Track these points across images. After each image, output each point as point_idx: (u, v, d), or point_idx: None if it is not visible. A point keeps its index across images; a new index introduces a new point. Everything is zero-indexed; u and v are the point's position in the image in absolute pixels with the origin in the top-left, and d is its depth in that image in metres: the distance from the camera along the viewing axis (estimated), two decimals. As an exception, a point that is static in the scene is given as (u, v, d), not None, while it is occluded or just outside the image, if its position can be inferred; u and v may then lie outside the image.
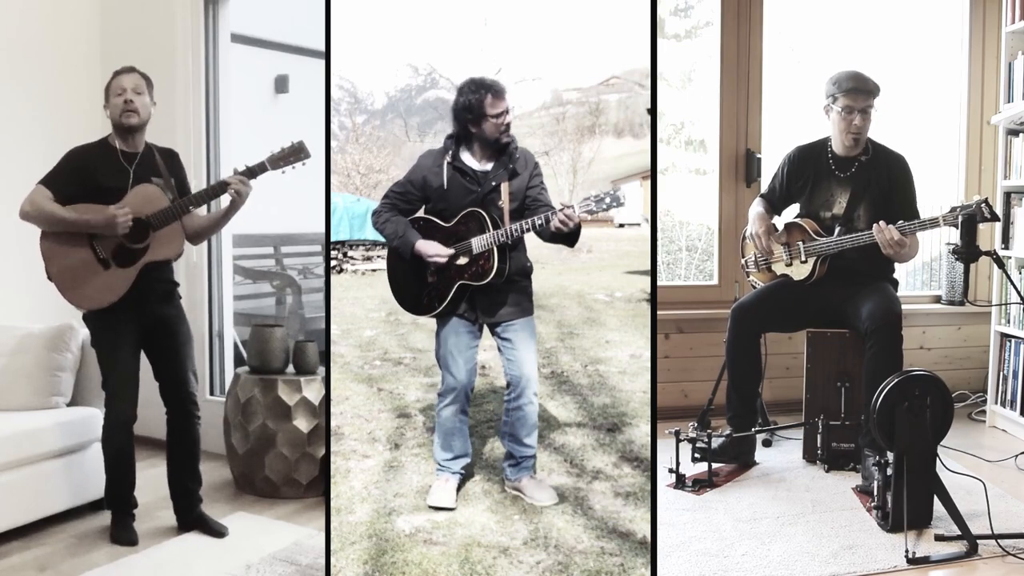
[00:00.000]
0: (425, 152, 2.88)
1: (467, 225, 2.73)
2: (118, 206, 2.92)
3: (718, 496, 3.28)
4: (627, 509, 2.76)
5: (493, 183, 2.76)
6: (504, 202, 2.74)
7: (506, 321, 2.80)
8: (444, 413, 2.88)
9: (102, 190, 2.95)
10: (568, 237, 2.65)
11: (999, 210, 4.08)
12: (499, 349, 2.86)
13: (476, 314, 2.81)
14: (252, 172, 3.01)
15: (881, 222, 3.25)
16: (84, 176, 2.96)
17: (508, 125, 2.73)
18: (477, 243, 2.71)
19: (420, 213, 2.87)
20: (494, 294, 2.78)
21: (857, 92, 3.36)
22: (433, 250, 2.75)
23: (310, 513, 3.41)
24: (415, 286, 2.84)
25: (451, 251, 2.74)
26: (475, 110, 2.71)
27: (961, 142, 4.73)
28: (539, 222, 2.62)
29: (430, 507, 2.80)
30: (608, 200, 2.55)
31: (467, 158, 2.80)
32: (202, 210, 3.14)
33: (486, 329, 2.87)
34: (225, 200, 3.06)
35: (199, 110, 4.26)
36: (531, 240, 2.82)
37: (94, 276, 2.96)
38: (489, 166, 2.79)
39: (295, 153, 3.02)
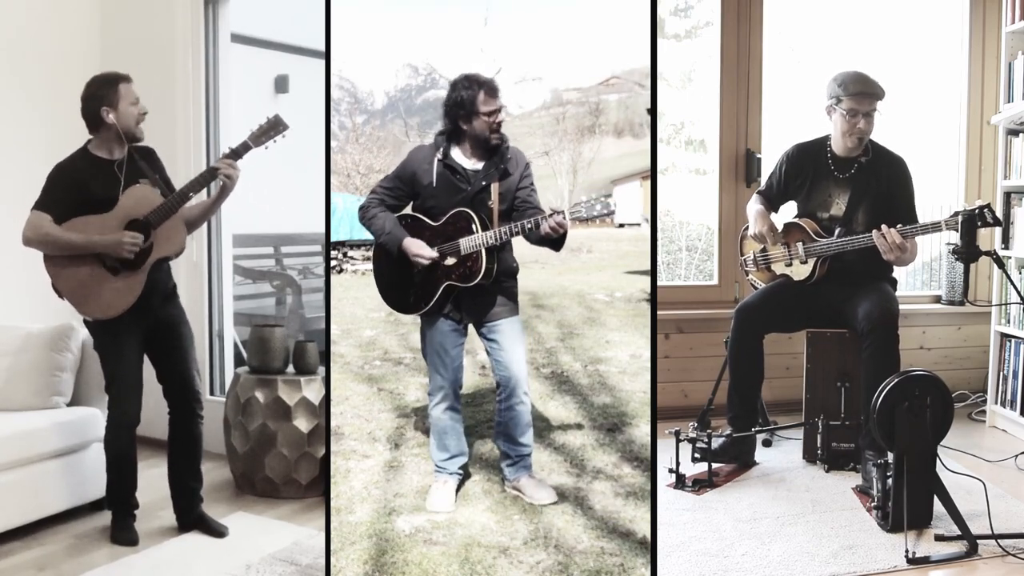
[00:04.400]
0: (416, 147, 2.84)
1: (455, 225, 2.70)
2: (116, 216, 2.92)
3: (718, 496, 3.28)
4: (627, 509, 2.76)
5: (483, 182, 2.73)
6: (494, 202, 2.72)
7: (491, 321, 2.79)
8: (435, 412, 2.88)
9: (95, 201, 2.95)
10: (555, 242, 2.64)
11: (999, 210, 4.08)
12: (486, 351, 2.84)
13: (461, 315, 2.80)
14: (237, 153, 3.02)
15: (883, 227, 3.23)
16: (77, 190, 2.95)
17: (499, 124, 2.70)
18: (465, 244, 2.68)
19: (408, 210, 2.83)
20: (480, 295, 2.76)
21: (863, 96, 3.33)
22: (417, 249, 2.72)
23: (310, 513, 3.41)
24: (402, 284, 2.81)
25: (435, 254, 2.71)
26: (467, 106, 2.68)
27: (961, 142, 4.73)
28: (528, 226, 2.60)
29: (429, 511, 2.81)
30: (599, 208, 2.56)
31: (457, 156, 2.77)
32: (194, 201, 3.14)
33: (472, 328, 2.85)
34: (216, 189, 3.07)
35: (199, 110, 4.26)
36: (526, 240, 2.81)
37: (106, 284, 2.95)
38: (480, 165, 2.76)
39: (274, 127, 3.03)
